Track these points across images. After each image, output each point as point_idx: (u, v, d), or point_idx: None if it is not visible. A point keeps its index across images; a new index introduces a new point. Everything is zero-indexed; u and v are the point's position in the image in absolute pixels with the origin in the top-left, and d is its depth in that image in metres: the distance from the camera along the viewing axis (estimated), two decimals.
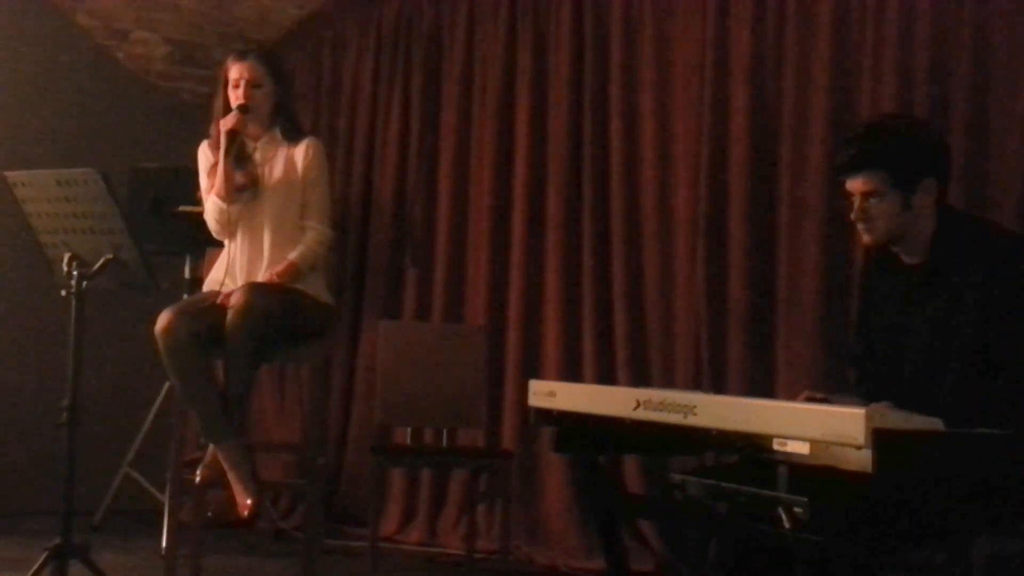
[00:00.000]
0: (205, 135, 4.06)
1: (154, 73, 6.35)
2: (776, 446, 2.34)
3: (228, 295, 3.82)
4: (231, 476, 3.79)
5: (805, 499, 2.28)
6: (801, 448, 2.28)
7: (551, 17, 5.38)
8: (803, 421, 2.25)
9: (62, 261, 3.46)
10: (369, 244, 5.84)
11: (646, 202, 5.00)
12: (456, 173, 5.63)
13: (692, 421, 2.57)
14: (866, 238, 2.96)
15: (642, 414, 2.75)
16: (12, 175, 3.56)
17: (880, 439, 2.11)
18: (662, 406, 2.68)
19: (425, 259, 5.68)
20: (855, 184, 2.90)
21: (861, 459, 2.14)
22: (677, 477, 2.73)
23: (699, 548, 4.24)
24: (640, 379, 4.87)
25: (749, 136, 4.67)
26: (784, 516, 2.34)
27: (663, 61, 5.00)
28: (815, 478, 2.29)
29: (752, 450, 2.46)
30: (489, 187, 5.48)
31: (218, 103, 4.08)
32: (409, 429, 4.96)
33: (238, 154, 4.02)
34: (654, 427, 2.70)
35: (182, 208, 5.06)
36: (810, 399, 2.77)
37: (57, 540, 3.28)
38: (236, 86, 4.03)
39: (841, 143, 3.13)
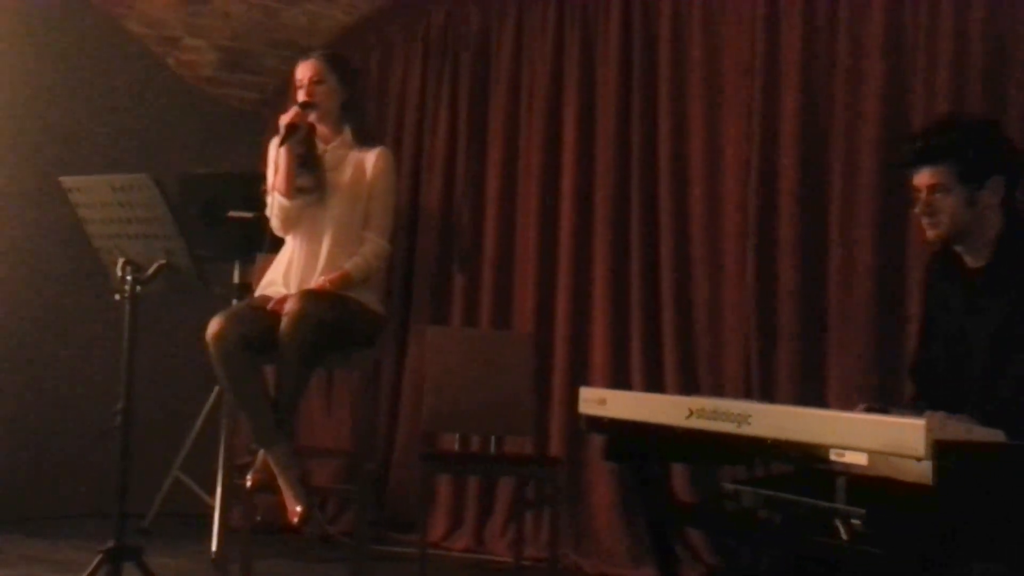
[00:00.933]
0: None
1: (204, 80, 6.40)
2: (833, 457, 2.32)
3: (280, 301, 3.84)
4: (281, 482, 3.80)
5: (864, 511, 2.26)
6: (859, 459, 2.26)
7: (599, 22, 5.36)
8: (862, 432, 2.23)
9: (116, 266, 3.48)
10: (416, 250, 5.85)
11: (695, 208, 4.98)
12: (504, 179, 5.62)
13: (746, 430, 2.55)
14: (930, 233, 2.93)
15: (695, 423, 2.73)
16: (67, 181, 3.59)
17: (940, 451, 2.09)
18: (715, 415, 2.66)
19: (473, 265, 5.68)
20: (921, 178, 2.87)
21: (921, 471, 2.11)
22: (730, 487, 2.72)
23: (750, 559, 4.21)
24: (689, 387, 4.85)
25: (799, 141, 4.64)
26: (841, 528, 2.32)
27: (712, 66, 4.98)
28: (873, 489, 2.27)
29: (807, 460, 2.44)
30: (537, 193, 5.48)
31: (288, 108, 4.10)
32: (457, 436, 4.96)
33: (307, 156, 4.03)
34: (707, 436, 2.69)
35: (232, 214, 5.09)
36: (869, 410, 2.74)
37: (111, 543, 3.30)
38: (300, 86, 4.08)
39: (908, 137, 3.10)
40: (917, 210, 2.91)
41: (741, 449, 2.66)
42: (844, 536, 2.32)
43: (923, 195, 2.88)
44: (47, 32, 5.75)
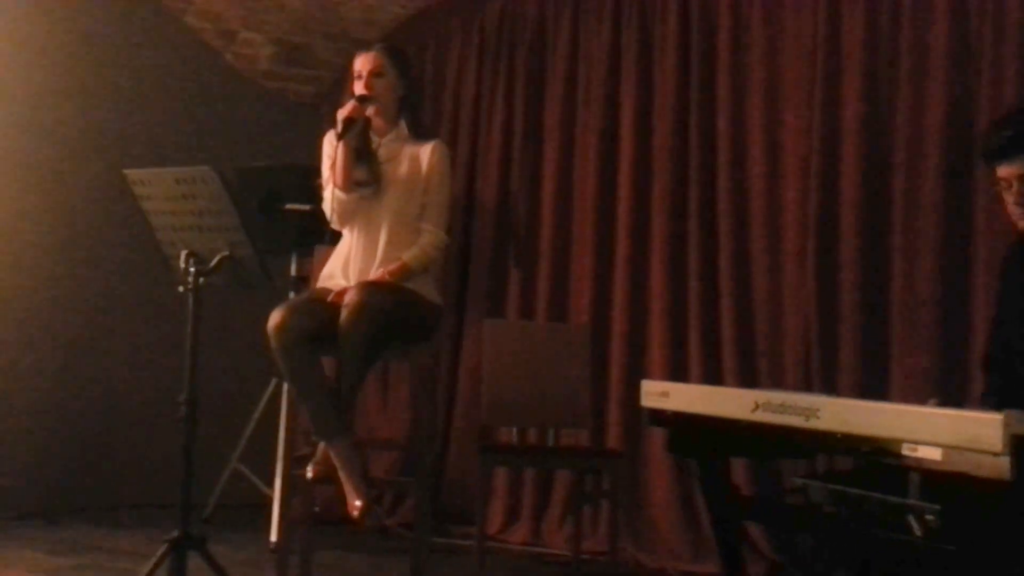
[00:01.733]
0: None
1: (260, 73, 6.44)
2: (906, 451, 2.28)
3: (341, 293, 3.84)
4: (342, 474, 3.81)
5: (938, 506, 2.22)
6: (932, 454, 2.22)
7: (657, 14, 5.33)
8: (936, 426, 2.19)
9: (179, 258, 3.50)
10: (472, 243, 5.85)
11: (754, 199, 4.94)
12: (560, 171, 5.61)
13: (815, 424, 2.52)
14: (1022, 224, 2.88)
15: (761, 416, 2.70)
16: (131, 174, 3.62)
17: (1018, 445, 2.05)
18: (783, 408, 2.63)
19: (529, 258, 5.67)
20: (1011, 170, 2.82)
21: (997, 466, 2.07)
22: (799, 481, 2.68)
23: (811, 554, 4.17)
24: (748, 380, 4.81)
25: (861, 132, 4.59)
26: (915, 524, 2.28)
27: (772, 57, 4.94)
28: (947, 485, 2.23)
29: (878, 455, 2.40)
30: (593, 185, 5.45)
31: (344, 99, 4.10)
32: (514, 428, 4.96)
33: (362, 149, 4.03)
34: (773, 430, 2.65)
35: (289, 206, 5.10)
36: (943, 404, 2.69)
37: (176, 532, 3.32)
38: (359, 77, 4.07)
39: (990, 128, 3.04)
40: (1011, 200, 2.86)
41: (808, 443, 2.62)
42: (918, 532, 2.28)
43: (1014, 186, 2.82)
44: (108, 29, 5.81)
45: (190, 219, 3.52)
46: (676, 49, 5.22)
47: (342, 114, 3.97)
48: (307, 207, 4.95)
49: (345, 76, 4.24)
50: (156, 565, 3.30)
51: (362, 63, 4.08)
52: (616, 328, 5.29)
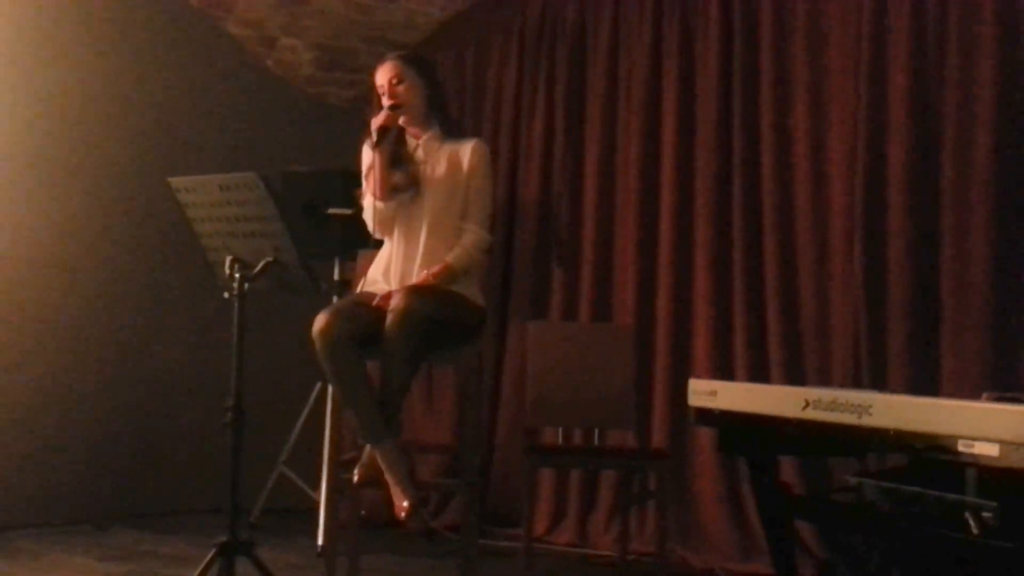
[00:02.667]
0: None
1: (301, 79, 6.46)
2: (961, 448, 2.25)
3: (386, 297, 3.84)
4: (388, 477, 3.81)
5: (995, 503, 2.19)
6: (989, 450, 2.19)
7: (698, 12, 5.29)
8: (993, 421, 2.16)
9: (224, 264, 3.52)
10: (515, 244, 5.84)
11: (799, 195, 4.89)
12: (602, 171, 5.59)
13: (867, 421, 2.49)
14: None
15: (811, 414, 2.68)
16: (176, 181, 3.64)
17: None
18: (834, 406, 2.60)
19: (572, 259, 5.65)
20: None
21: None
22: (852, 480, 2.65)
23: (866, 553, 4.12)
24: (795, 377, 4.77)
25: (908, 129, 4.53)
26: (972, 521, 2.25)
27: (816, 54, 4.89)
28: (1005, 481, 2.19)
29: (933, 452, 2.36)
30: (636, 185, 5.43)
31: (374, 111, 4.11)
32: (559, 429, 4.94)
33: (398, 154, 4.04)
34: (824, 427, 2.63)
35: (332, 211, 5.12)
36: (999, 399, 2.65)
37: (224, 537, 3.33)
38: (383, 91, 4.08)
39: None
40: None
41: (860, 441, 2.59)
42: (975, 530, 2.24)
43: None
44: (151, 38, 5.85)
45: (234, 225, 3.53)
46: (718, 45, 5.18)
47: (376, 123, 3.99)
48: (350, 212, 4.97)
49: (371, 88, 4.23)
50: (204, 570, 3.32)
51: (381, 75, 4.10)
52: (660, 327, 5.26)
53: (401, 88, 4.06)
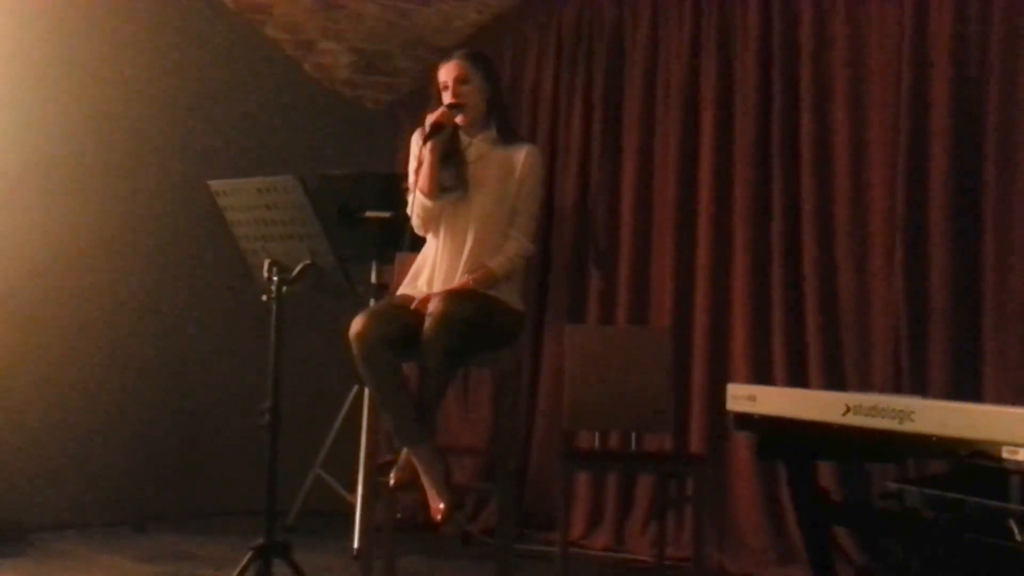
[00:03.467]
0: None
1: (339, 82, 6.48)
2: (1005, 454, 2.22)
3: (424, 300, 3.82)
4: (425, 480, 3.80)
5: None
6: None
7: (737, 11, 5.26)
8: None
9: (262, 267, 3.52)
10: (552, 247, 5.82)
11: (839, 197, 4.85)
12: (639, 174, 5.56)
13: (909, 427, 2.46)
14: None
15: (852, 419, 2.65)
16: (215, 184, 3.65)
17: None
18: (875, 411, 2.58)
19: (609, 261, 5.63)
20: None
21: None
22: (893, 486, 2.62)
23: (906, 560, 4.08)
24: (834, 383, 4.72)
25: (951, 123, 4.49)
26: (1016, 528, 2.22)
27: (857, 50, 4.85)
28: None
29: (976, 458, 2.33)
30: (674, 187, 5.40)
31: (433, 108, 4.08)
32: (596, 433, 4.92)
33: (450, 153, 4.00)
34: (865, 433, 2.61)
35: (369, 214, 5.12)
36: None
37: (260, 540, 3.34)
38: (445, 88, 4.04)
39: None
40: None
41: (902, 447, 2.57)
42: (1018, 537, 2.21)
43: None
44: (188, 40, 5.88)
45: (272, 228, 3.54)
46: (757, 44, 5.14)
47: (431, 119, 3.95)
48: (387, 214, 4.97)
49: (423, 83, 4.22)
50: (241, 572, 3.33)
51: (446, 72, 4.05)
52: (698, 331, 5.23)
53: (465, 88, 4.02)
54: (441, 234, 4.04)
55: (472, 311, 3.75)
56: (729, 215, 5.21)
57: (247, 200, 3.57)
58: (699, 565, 4.37)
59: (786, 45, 5.06)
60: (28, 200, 5.28)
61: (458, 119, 4.00)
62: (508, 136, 4.08)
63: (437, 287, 3.94)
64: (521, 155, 4.04)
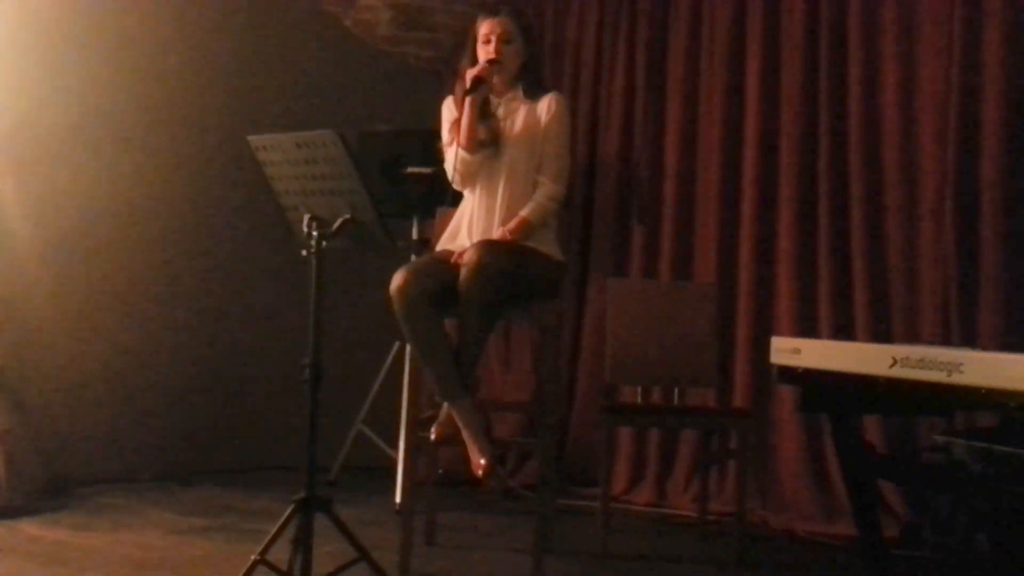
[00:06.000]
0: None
1: (380, 38, 6.44)
2: None
3: (461, 253, 3.82)
4: (465, 434, 3.80)
5: None
6: None
7: None
8: None
9: (302, 222, 3.51)
10: (595, 202, 5.78)
11: (888, 148, 4.78)
12: (683, 128, 5.50)
13: (957, 379, 2.42)
14: None
15: (899, 372, 2.61)
16: (255, 139, 3.63)
17: None
18: (922, 363, 2.53)
19: (653, 216, 5.58)
20: None
21: None
22: (940, 439, 2.58)
23: (953, 515, 4.04)
24: (881, 336, 4.67)
25: (1004, 75, 4.40)
26: None
27: (906, 4, 4.75)
28: None
29: None
30: (718, 140, 5.34)
31: (465, 61, 4.08)
32: (639, 388, 4.90)
33: (482, 109, 4.00)
34: (912, 386, 2.56)
35: (410, 170, 5.11)
36: None
37: (302, 494, 3.35)
38: (487, 41, 4.03)
39: None
40: None
41: (950, 399, 2.52)
42: None
43: None
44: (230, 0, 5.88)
45: (312, 183, 3.52)
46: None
47: (472, 73, 3.94)
48: (428, 170, 4.95)
49: (464, 39, 4.19)
50: (284, 525, 3.34)
51: (491, 27, 4.03)
52: (742, 285, 5.19)
53: (508, 48, 4.03)
54: (476, 190, 4.04)
55: (507, 260, 3.74)
56: (774, 169, 5.15)
57: (286, 155, 3.55)
58: (742, 520, 4.35)
59: None
60: (69, 159, 5.30)
61: (493, 78, 3.99)
62: (534, 92, 4.07)
63: (476, 240, 3.93)
64: (545, 102, 4.03)
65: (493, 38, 4.01)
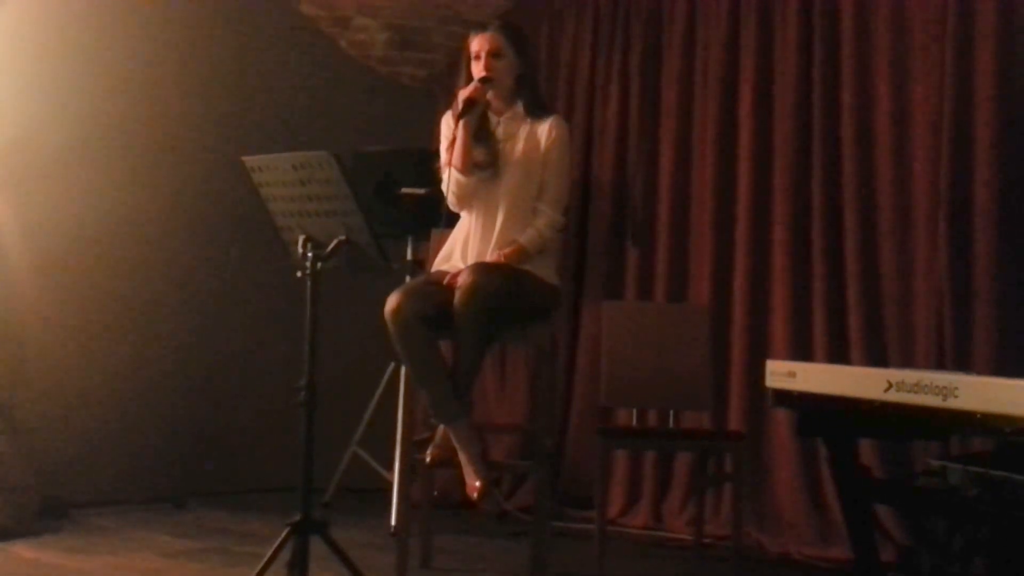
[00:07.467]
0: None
1: (374, 59, 6.45)
2: None
3: (456, 275, 3.82)
4: (461, 457, 3.80)
5: None
6: None
7: None
8: None
9: (297, 243, 3.51)
10: (589, 224, 5.78)
11: (881, 170, 4.79)
12: (678, 149, 5.50)
13: (952, 404, 2.41)
14: None
15: (894, 396, 2.60)
16: (249, 160, 3.63)
17: None
18: (917, 388, 2.53)
19: (647, 238, 5.58)
20: None
21: None
22: (936, 463, 2.58)
23: (949, 539, 4.03)
24: (876, 359, 4.67)
25: (995, 94, 4.41)
26: None
27: (899, 22, 4.76)
28: None
29: (1021, 435, 2.28)
30: (712, 162, 5.34)
31: (461, 80, 4.06)
32: (633, 411, 4.89)
33: (480, 130, 3.98)
34: (908, 410, 2.56)
35: (405, 190, 5.10)
36: None
37: (297, 516, 3.34)
38: (477, 58, 4.00)
39: None
40: None
41: (945, 424, 2.52)
42: None
43: None
44: (223, 17, 5.87)
45: (307, 204, 3.52)
46: (797, 17, 5.08)
47: (464, 94, 3.92)
48: (423, 191, 4.95)
49: (459, 59, 4.18)
50: (279, 548, 3.33)
51: (480, 44, 4.00)
52: (737, 307, 5.19)
53: (498, 64, 3.99)
54: (474, 212, 4.02)
55: (502, 283, 3.73)
56: (768, 191, 5.15)
57: (281, 176, 3.55)
58: (738, 544, 4.33)
59: (827, 17, 4.98)
60: (66, 178, 5.29)
61: (489, 94, 3.96)
62: (535, 111, 4.04)
63: (469, 261, 3.92)
64: (546, 126, 4.01)
65: (483, 54, 3.98)
